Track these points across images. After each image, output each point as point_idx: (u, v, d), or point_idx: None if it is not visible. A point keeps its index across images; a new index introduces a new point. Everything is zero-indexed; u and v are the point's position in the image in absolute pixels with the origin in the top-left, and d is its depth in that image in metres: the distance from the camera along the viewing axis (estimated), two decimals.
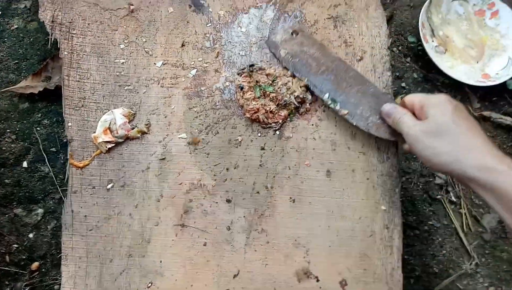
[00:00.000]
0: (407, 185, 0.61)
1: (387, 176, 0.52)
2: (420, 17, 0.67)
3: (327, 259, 0.49)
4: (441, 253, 0.59)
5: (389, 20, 0.62)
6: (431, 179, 0.62)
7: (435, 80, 0.67)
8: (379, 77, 0.56)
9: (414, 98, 0.46)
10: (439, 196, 0.61)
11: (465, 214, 0.60)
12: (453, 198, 0.61)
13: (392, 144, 0.53)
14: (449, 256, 0.59)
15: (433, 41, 0.69)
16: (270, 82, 0.54)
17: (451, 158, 0.40)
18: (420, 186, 0.61)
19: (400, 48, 0.68)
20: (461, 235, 0.59)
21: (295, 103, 0.53)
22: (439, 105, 0.43)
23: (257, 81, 0.54)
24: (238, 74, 0.55)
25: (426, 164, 0.44)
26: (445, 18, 0.71)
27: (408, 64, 0.67)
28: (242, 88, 0.53)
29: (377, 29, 0.58)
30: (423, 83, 0.66)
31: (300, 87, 0.54)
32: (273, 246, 0.50)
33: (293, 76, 0.55)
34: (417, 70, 0.67)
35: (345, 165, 0.52)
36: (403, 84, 0.66)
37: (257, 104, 0.53)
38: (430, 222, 0.60)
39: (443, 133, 0.41)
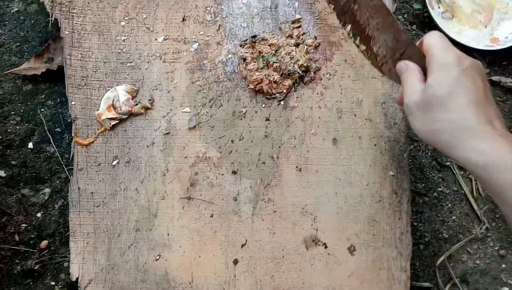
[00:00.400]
0: (415, 152, 0.60)
1: (395, 141, 0.51)
2: None
3: (335, 225, 0.49)
4: (451, 219, 0.58)
5: None
6: None
7: None
8: None
9: (428, 46, 0.38)
10: (448, 163, 0.60)
11: (474, 179, 0.59)
12: None
13: (400, 109, 0.52)
14: (459, 222, 0.58)
15: (439, 7, 0.67)
16: (273, 52, 0.54)
17: (445, 139, 0.35)
18: (429, 153, 0.60)
19: (405, 15, 0.67)
20: (471, 200, 0.59)
21: (299, 72, 0.52)
22: (444, 68, 0.36)
23: (260, 52, 0.54)
24: (240, 45, 0.54)
25: (422, 139, 0.39)
26: None
27: (414, 31, 0.66)
28: (244, 60, 0.53)
29: None
30: None
31: (304, 55, 0.53)
32: (280, 215, 0.49)
33: (297, 45, 0.54)
34: None
35: (351, 133, 0.51)
36: None
37: (261, 74, 0.52)
38: (440, 189, 0.59)
39: (439, 107, 0.35)
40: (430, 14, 0.65)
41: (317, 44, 0.54)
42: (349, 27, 0.45)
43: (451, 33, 0.64)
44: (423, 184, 0.59)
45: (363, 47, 0.45)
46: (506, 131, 0.34)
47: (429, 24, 0.66)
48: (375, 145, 0.51)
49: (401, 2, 0.67)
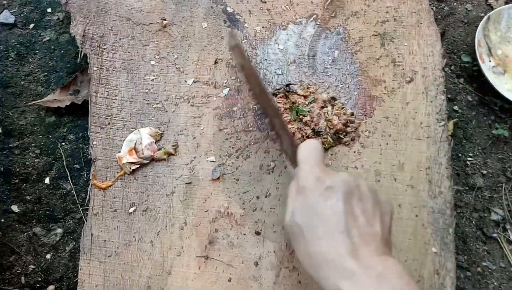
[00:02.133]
0: (458, 220, 0.55)
1: (439, 213, 0.47)
2: (476, 35, 0.62)
3: None
4: None
5: (441, 37, 0.58)
6: (486, 215, 0.56)
7: (492, 103, 0.61)
8: (431, 101, 0.52)
9: (298, 161, 0.37)
10: (495, 234, 0.55)
11: None
12: None
13: (446, 177, 0.49)
14: None
15: (490, 60, 0.64)
16: (306, 103, 0.52)
17: (311, 273, 0.31)
18: (473, 222, 0.55)
19: (452, 68, 0.64)
20: None
21: (330, 133, 0.50)
22: (302, 192, 0.33)
23: (293, 102, 0.52)
24: (273, 94, 0.53)
25: None
26: (505, 35, 0.66)
27: (461, 85, 0.63)
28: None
29: (430, 48, 0.55)
30: (478, 107, 0.61)
31: (344, 114, 0.50)
32: (305, 287, 0.46)
33: (334, 99, 0.52)
34: (472, 92, 0.62)
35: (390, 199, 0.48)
36: (456, 108, 0.61)
37: (293, 127, 0.50)
38: (484, 263, 0.54)
39: (300, 237, 0.32)
40: (480, 68, 0.61)
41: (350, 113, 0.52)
42: (267, 120, 0.46)
43: (502, 90, 0.60)
44: (466, 257, 0.54)
45: (279, 140, 0.45)
46: (374, 260, 0.29)
47: (478, 78, 0.63)
48: (416, 215, 0.47)
49: (448, 53, 0.64)
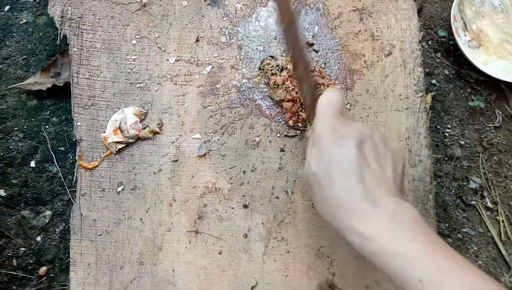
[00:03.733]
0: (438, 189, 0.57)
1: (419, 181, 0.49)
2: (452, 10, 0.63)
3: (354, 271, 0.46)
4: (477, 263, 0.55)
5: (418, 12, 0.59)
6: (464, 183, 0.58)
7: (468, 76, 0.63)
8: (409, 73, 0.53)
9: (316, 112, 0.36)
10: (473, 202, 0.57)
11: (502, 221, 0.56)
12: (490, 204, 0.57)
13: (425, 146, 0.50)
14: (485, 267, 0.55)
15: (465, 35, 0.65)
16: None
17: (329, 220, 0.32)
18: (453, 191, 0.57)
19: (429, 42, 0.64)
20: (499, 244, 0.56)
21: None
22: (318, 142, 0.33)
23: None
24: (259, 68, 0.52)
25: None
26: (479, 10, 0.67)
27: (438, 59, 0.64)
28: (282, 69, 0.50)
29: (407, 22, 0.55)
30: (455, 80, 0.63)
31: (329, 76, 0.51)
32: (294, 255, 0.47)
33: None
34: (449, 66, 0.63)
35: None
36: (434, 81, 0.62)
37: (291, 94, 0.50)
38: (464, 230, 0.56)
39: (317, 186, 0.33)
40: (456, 42, 0.62)
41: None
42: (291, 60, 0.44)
43: (477, 63, 0.61)
44: (446, 224, 0.56)
45: (297, 85, 0.44)
46: (385, 200, 0.30)
47: (454, 52, 0.64)
48: None
49: (425, 28, 0.64)
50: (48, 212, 0.52)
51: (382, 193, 0.31)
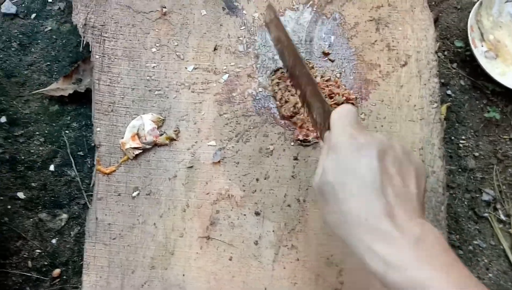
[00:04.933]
0: (450, 200, 0.56)
1: (432, 192, 0.48)
2: (469, 20, 0.62)
3: (362, 280, 0.46)
4: (487, 276, 0.54)
5: (435, 23, 0.58)
6: (477, 195, 0.57)
7: (484, 87, 0.62)
8: (425, 84, 0.52)
9: (331, 123, 0.34)
10: (486, 214, 0.56)
11: None
12: (502, 217, 0.56)
13: (439, 157, 0.49)
14: (496, 280, 0.53)
15: (482, 45, 0.64)
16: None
17: (342, 235, 0.29)
18: (465, 203, 0.56)
19: (445, 53, 0.64)
20: (511, 257, 0.54)
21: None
22: (336, 150, 0.31)
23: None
24: (271, 73, 0.53)
25: None
26: (497, 20, 0.66)
27: (454, 70, 0.63)
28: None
29: (424, 32, 0.55)
30: (471, 91, 0.62)
31: (345, 89, 0.51)
32: (303, 264, 0.47)
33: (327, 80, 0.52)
34: (464, 77, 0.62)
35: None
36: (449, 92, 0.61)
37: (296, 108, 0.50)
38: (476, 242, 0.55)
39: (332, 196, 0.30)
40: (472, 53, 0.62)
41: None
42: (298, 91, 0.44)
43: (494, 74, 0.60)
44: (458, 236, 0.55)
45: (307, 113, 0.44)
46: (409, 222, 0.27)
47: (471, 63, 0.63)
48: None
49: (442, 39, 0.64)
50: (64, 215, 0.53)
51: (407, 212, 0.28)
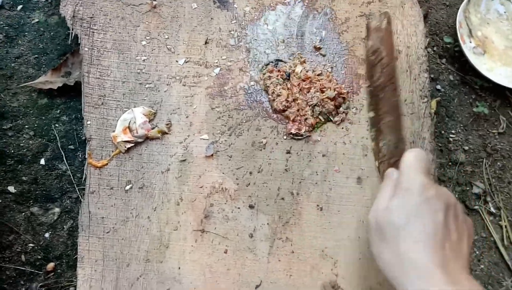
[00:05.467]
0: None
1: None
2: (457, 16, 0.63)
3: (357, 272, 0.47)
4: (479, 267, 0.55)
5: (424, 19, 0.59)
6: (468, 188, 0.58)
7: (472, 83, 0.63)
8: (415, 79, 0.53)
9: (402, 164, 0.36)
10: (476, 207, 0.57)
11: (505, 226, 0.57)
12: (492, 209, 0.57)
13: (430, 150, 0.50)
14: (487, 271, 0.55)
15: (470, 42, 0.65)
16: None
17: (393, 273, 0.31)
18: (456, 195, 0.58)
19: (435, 48, 0.65)
20: (501, 249, 0.56)
21: (323, 109, 0.51)
22: (406, 194, 0.33)
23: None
24: (262, 67, 0.53)
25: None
26: (484, 17, 0.67)
27: (443, 65, 0.64)
28: (289, 76, 0.51)
29: (413, 28, 0.56)
30: (460, 86, 0.63)
31: (336, 83, 0.52)
32: (298, 256, 0.47)
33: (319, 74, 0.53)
34: (453, 72, 0.64)
35: (377, 172, 0.49)
36: (438, 87, 0.63)
37: (288, 102, 0.51)
38: None
39: (392, 235, 0.32)
40: (461, 49, 0.63)
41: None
42: (371, 113, 0.45)
43: (482, 69, 0.62)
44: None
45: (372, 139, 0.44)
46: (461, 277, 0.29)
47: (459, 59, 0.64)
48: None
49: (431, 34, 0.65)
50: (56, 209, 0.53)
51: (459, 267, 0.30)
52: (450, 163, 0.59)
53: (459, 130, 0.61)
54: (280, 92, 0.50)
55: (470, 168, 0.59)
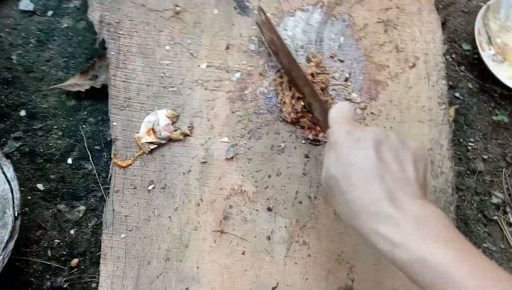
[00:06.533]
0: (460, 203, 0.55)
1: (441, 192, 0.48)
2: (476, 23, 0.62)
3: (373, 278, 0.46)
4: None
5: (442, 26, 0.58)
6: (486, 198, 0.56)
7: (492, 90, 0.61)
8: (433, 86, 0.52)
9: (329, 121, 0.36)
10: (495, 217, 0.55)
11: None
12: None
13: (447, 158, 0.49)
14: None
15: (490, 49, 0.63)
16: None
17: (350, 223, 0.31)
18: (475, 205, 0.56)
19: (453, 56, 0.63)
20: None
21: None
22: (335, 146, 0.33)
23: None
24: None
25: None
26: (504, 24, 0.65)
27: (462, 73, 0.62)
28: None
29: (431, 35, 0.54)
30: (479, 94, 0.61)
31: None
32: (314, 260, 0.47)
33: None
34: (472, 79, 0.62)
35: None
36: (457, 94, 0.61)
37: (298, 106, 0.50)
38: (485, 245, 0.54)
39: (336, 188, 0.32)
40: (480, 56, 0.61)
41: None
42: (298, 94, 0.46)
43: (502, 77, 0.60)
44: (468, 238, 0.55)
45: (309, 114, 0.44)
46: (410, 203, 0.29)
47: (478, 66, 0.62)
48: None
49: (450, 42, 0.63)
50: (82, 207, 0.53)
51: (406, 194, 0.29)
52: (468, 172, 0.57)
53: (478, 139, 0.59)
54: (285, 101, 0.49)
55: (489, 177, 0.57)
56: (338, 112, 0.36)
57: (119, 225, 0.48)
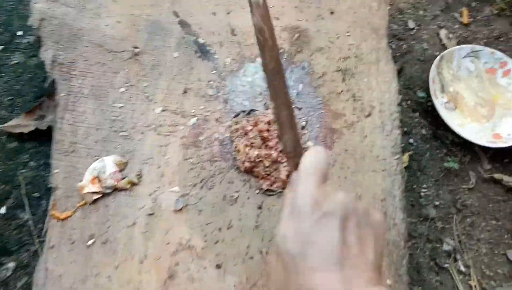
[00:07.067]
0: (412, 250, 0.54)
1: (393, 245, 0.46)
2: (430, 72, 0.63)
3: None
4: None
5: (399, 73, 0.58)
6: (438, 245, 0.55)
7: (444, 137, 0.62)
8: (387, 135, 0.51)
9: (299, 172, 0.31)
10: (447, 265, 0.54)
11: (475, 286, 0.53)
12: (462, 268, 0.54)
13: (400, 208, 0.47)
14: None
15: (443, 97, 0.65)
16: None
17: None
18: (427, 253, 0.54)
19: (408, 102, 0.64)
20: None
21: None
22: (297, 215, 0.29)
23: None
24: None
25: None
26: (456, 74, 0.67)
27: (416, 119, 0.63)
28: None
29: (387, 85, 0.54)
30: (431, 140, 0.61)
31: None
32: None
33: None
34: (426, 126, 0.62)
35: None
36: (411, 140, 0.61)
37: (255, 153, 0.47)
38: None
39: (291, 265, 0.29)
40: (433, 103, 0.62)
41: None
42: (272, 103, 0.39)
43: (453, 124, 0.60)
44: (420, 288, 0.53)
45: (277, 135, 0.40)
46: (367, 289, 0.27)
47: (432, 113, 0.63)
48: None
49: (405, 88, 0.64)
50: (11, 264, 0.47)
51: (363, 281, 0.27)
52: (421, 219, 0.56)
53: (431, 185, 0.58)
54: (239, 149, 0.47)
55: (440, 224, 0.56)
56: (312, 163, 0.31)
57: (51, 287, 0.43)
